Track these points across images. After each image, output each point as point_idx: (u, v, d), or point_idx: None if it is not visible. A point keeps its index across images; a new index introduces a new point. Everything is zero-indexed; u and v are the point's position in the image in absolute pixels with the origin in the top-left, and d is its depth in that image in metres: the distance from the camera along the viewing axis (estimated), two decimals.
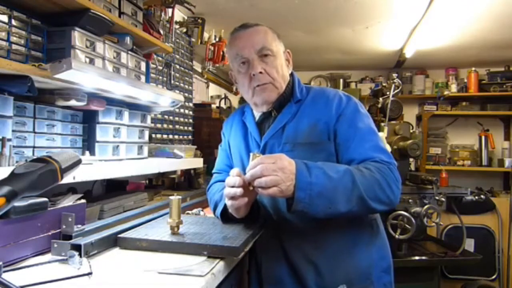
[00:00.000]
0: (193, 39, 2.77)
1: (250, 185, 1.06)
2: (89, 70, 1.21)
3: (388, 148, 2.57)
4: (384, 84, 3.16)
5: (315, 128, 1.24)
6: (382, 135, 2.62)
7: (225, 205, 1.24)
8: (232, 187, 1.09)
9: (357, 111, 1.26)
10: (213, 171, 1.53)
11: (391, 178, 1.13)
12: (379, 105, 2.95)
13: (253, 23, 1.30)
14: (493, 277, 3.49)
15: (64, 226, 1.07)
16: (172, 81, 2.37)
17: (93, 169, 1.27)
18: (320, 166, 1.08)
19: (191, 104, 2.74)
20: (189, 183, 2.41)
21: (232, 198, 1.10)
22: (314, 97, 1.31)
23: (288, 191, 1.02)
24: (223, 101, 3.72)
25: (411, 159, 3.14)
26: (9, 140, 1.10)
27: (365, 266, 1.23)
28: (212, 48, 2.94)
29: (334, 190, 1.05)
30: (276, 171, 1.01)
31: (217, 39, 3.00)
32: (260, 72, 1.23)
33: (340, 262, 1.21)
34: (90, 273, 0.90)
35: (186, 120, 2.64)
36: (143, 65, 1.70)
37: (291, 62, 1.36)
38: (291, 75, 1.35)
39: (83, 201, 1.19)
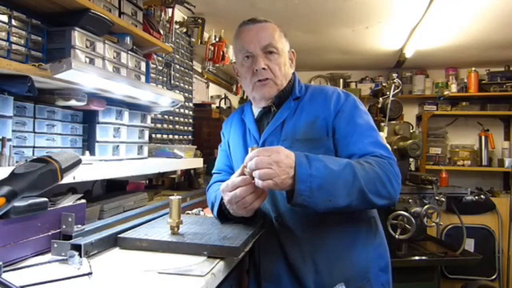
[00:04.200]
0: (193, 39, 2.77)
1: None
2: (89, 70, 1.21)
3: (388, 148, 2.56)
4: (384, 84, 3.15)
5: (314, 124, 1.24)
6: (382, 135, 2.62)
7: (220, 205, 1.24)
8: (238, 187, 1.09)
9: (356, 107, 1.27)
10: (213, 171, 1.53)
11: (392, 173, 1.13)
12: (379, 105, 2.95)
13: (262, 18, 1.30)
14: (493, 277, 3.48)
15: (64, 226, 1.07)
16: (172, 81, 2.37)
17: (93, 169, 1.27)
18: (321, 159, 1.07)
19: (191, 104, 2.74)
20: (189, 183, 2.41)
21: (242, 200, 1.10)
22: (312, 94, 1.32)
23: (284, 184, 1.02)
24: (223, 101, 3.72)
25: (411, 159, 3.13)
26: (9, 140, 1.10)
27: (363, 265, 1.23)
28: (212, 48, 2.94)
29: (335, 183, 1.05)
30: (271, 164, 1.00)
31: (217, 39, 3.00)
32: (263, 68, 1.24)
33: (338, 260, 1.21)
34: (90, 273, 0.90)
35: (186, 120, 2.64)
36: (143, 65, 1.70)
37: (294, 62, 1.37)
38: (293, 74, 1.36)
39: (83, 201, 1.19)
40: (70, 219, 1.06)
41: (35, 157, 0.76)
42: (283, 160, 1.02)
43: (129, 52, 1.58)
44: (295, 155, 1.04)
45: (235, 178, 1.11)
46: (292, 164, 1.03)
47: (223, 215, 1.26)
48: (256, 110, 1.37)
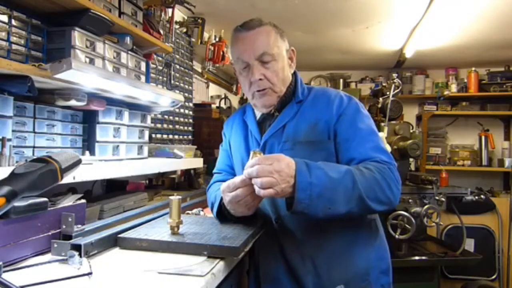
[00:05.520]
0: (193, 39, 2.77)
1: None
2: (89, 70, 1.21)
3: (388, 148, 2.56)
4: (384, 84, 3.15)
5: (316, 127, 1.24)
6: (382, 135, 2.62)
7: (220, 205, 1.24)
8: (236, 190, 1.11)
9: (358, 111, 1.27)
10: (214, 171, 1.53)
11: (391, 179, 1.13)
12: (379, 105, 2.95)
13: (256, 22, 1.27)
14: (493, 277, 3.48)
15: (64, 226, 1.07)
16: (172, 81, 2.37)
17: (93, 169, 1.27)
18: (321, 166, 1.07)
19: (191, 104, 2.74)
20: (189, 183, 2.41)
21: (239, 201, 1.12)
22: (315, 97, 1.31)
23: (284, 192, 1.02)
24: (223, 101, 3.72)
25: (411, 159, 3.13)
26: (9, 140, 1.10)
27: (363, 267, 1.23)
28: (212, 48, 2.94)
29: (334, 190, 1.05)
30: (272, 172, 1.01)
31: (217, 39, 3.00)
32: (260, 79, 1.23)
33: (338, 262, 1.21)
34: (90, 273, 0.90)
35: (186, 120, 2.64)
36: (143, 65, 1.70)
37: (294, 60, 1.35)
38: (294, 74, 1.35)
39: (83, 201, 1.19)
40: (70, 219, 1.06)
41: (35, 157, 0.76)
42: (284, 169, 1.02)
43: (129, 52, 1.58)
44: (295, 163, 1.05)
45: (235, 179, 1.12)
46: (293, 173, 1.03)
47: (223, 215, 1.26)
48: (258, 112, 1.37)
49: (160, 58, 2.27)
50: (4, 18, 1.09)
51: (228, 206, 1.18)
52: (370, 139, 1.22)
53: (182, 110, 2.57)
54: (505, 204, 3.58)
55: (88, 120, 1.49)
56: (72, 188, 1.28)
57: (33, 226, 1.01)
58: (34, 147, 1.25)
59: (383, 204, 1.11)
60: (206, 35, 2.94)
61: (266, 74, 1.24)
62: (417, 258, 2.58)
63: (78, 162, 0.80)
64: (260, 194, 1.02)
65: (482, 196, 3.42)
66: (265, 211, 1.31)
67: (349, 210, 1.07)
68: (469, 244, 3.38)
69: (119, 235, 1.14)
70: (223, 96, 3.76)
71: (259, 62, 1.23)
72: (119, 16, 1.53)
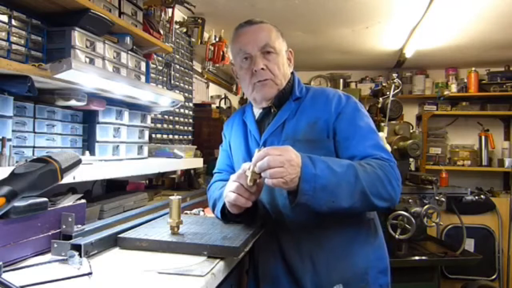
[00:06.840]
0: (193, 39, 2.78)
1: (251, 181, 1.06)
2: (89, 70, 1.21)
3: (388, 148, 2.56)
4: (384, 84, 3.15)
5: (315, 126, 1.25)
6: (382, 135, 2.62)
7: (224, 205, 1.24)
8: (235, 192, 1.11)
9: (357, 110, 1.27)
10: (214, 170, 1.54)
11: (392, 175, 1.14)
12: (379, 105, 2.95)
13: (258, 20, 1.31)
14: (493, 277, 3.48)
15: (64, 226, 1.07)
16: (172, 81, 2.37)
17: (93, 169, 1.27)
18: (324, 160, 1.08)
19: (191, 104, 2.74)
20: (189, 183, 2.41)
21: (235, 201, 1.12)
22: (313, 96, 1.32)
23: (293, 183, 1.02)
24: (223, 101, 3.72)
25: (411, 159, 3.13)
26: (9, 140, 1.10)
27: (362, 266, 1.23)
28: (212, 48, 2.94)
29: (338, 184, 1.05)
30: (283, 162, 1.01)
31: (217, 39, 3.00)
32: (262, 69, 1.25)
33: (337, 261, 1.22)
34: (90, 273, 0.90)
35: (186, 120, 2.64)
36: (143, 65, 1.70)
37: (292, 61, 1.37)
38: (292, 74, 1.36)
39: (83, 201, 1.19)
40: (70, 219, 1.06)
41: (35, 157, 0.76)
42: (294, 158, 1.03)
43: (129, 52, 1.58)
44: (300, 156, 1.05)
45: (231, 177, 1.13)
46: (300, 163, 1.03)
47: (226, 214, 1.26)
48: (257, 111, 1.38)
49: (160, 58, 2.27)
50: (4, 18, 1.09)
51: (229, 207, 1.18)
52: (370, 137, 1.22)
53: (182, 110, 2.57)
54: (505, 204, 3.58)
55: (88, 120, 1.49)
56: (72, 188, 1.28)
57: (33, 226, 1.01)
58: (34, 147, 1.25)
59: (384, 200, 1.12)
60: (206, 35, 2.94)
61: (268, 65, 1.26)
62: (417, 258, 2.58)
63: (78, 162, 0.80)
64: (270, 184, 1.02)
65: (482, 196, 3.43)
66: (264, 210, 1.31)
67: (352, 204, 1.07)
68: (469, 244, 3.38)
69: (119, 235, 1.14)
70: (223, 96, 3.75)
71: (261, 53, 1.26)
72: (119, 16, 1.53)
